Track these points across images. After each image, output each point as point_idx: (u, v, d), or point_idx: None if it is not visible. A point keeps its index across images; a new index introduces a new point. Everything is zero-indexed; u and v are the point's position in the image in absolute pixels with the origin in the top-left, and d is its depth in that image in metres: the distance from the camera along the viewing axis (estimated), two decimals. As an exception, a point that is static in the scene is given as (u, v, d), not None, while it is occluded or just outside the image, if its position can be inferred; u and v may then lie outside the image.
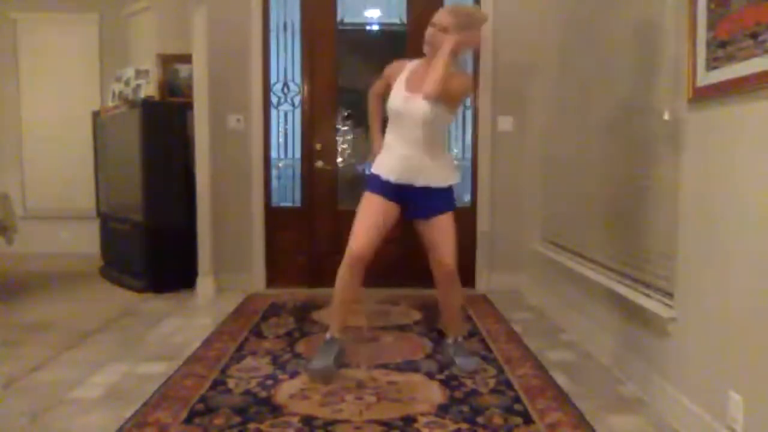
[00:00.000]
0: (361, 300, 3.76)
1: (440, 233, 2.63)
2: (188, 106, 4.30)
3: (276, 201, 4.51)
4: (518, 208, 4.33)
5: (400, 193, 2.61)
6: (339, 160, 4.49)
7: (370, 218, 2.60)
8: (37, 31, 5.88)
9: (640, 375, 2.47)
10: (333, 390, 2.46)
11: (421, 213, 2.64)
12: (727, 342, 1.91)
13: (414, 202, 2.62)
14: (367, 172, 2.70)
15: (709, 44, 1.97)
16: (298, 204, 4.51)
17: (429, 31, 2.55)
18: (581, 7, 3.37)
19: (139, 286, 4.30)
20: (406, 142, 2.58)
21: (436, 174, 2.61)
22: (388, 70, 2.73)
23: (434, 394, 2.44)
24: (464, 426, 2.14)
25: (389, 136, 2.66)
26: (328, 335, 2.67)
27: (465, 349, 2.81)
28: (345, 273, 2.59)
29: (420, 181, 2.58)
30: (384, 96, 2.72)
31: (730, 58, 1.85)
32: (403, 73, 2.64)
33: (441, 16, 2.53)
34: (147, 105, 4.35)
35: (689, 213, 2.14)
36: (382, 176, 2.61)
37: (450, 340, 2.82)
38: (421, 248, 2.75)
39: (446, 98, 2.50)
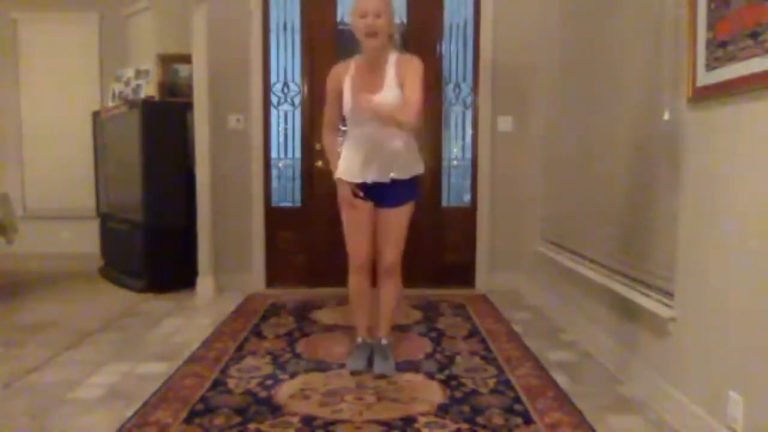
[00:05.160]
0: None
1: (391, 224, 2.69)
2: (188, 106, 4.30)
3: (276, 201, 4.51)
4: (518, 208, 4.33)
5: (371, 189, 2.64)
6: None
7: (363, 224, 2.67)
8: (37, 31, 5.87)
9: (640, 375, 2.47)
10: (333, 390, 2.46)
11: (386, 203, 2.67)
12: (727, 342, 1.91)
13: (381, 193, 2.65)
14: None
15: (709, 44, 1.97)
16: (298, 204, 4.51)
17: (368, 21, 2.44)
18: (581, 7, 3.37)
19: (139, 286, 4.30)
20: (372, 135, 2.56)
21: (404, 165, 2.63)
22: (334, 79, 2.64)
23: (434, 394, 2.44)
24: (464, 426, 2.14)
25: (353, 139, 2.64)
26: (359, 339, 2.82)
27: (387, 352, 2.74)
28: (354, 280, 2.75)
29: (391, 175, 2.60)
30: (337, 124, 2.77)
31: (730, 58, 1.85)
32: (347, 78, 2.59)
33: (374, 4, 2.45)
34: (147, 105, 4.35)
35: (689, 213, 2.14)
36: (355, 181, 2.63)
37: (377, 340, 2.79)
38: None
39: (405, 83, 2.50)
